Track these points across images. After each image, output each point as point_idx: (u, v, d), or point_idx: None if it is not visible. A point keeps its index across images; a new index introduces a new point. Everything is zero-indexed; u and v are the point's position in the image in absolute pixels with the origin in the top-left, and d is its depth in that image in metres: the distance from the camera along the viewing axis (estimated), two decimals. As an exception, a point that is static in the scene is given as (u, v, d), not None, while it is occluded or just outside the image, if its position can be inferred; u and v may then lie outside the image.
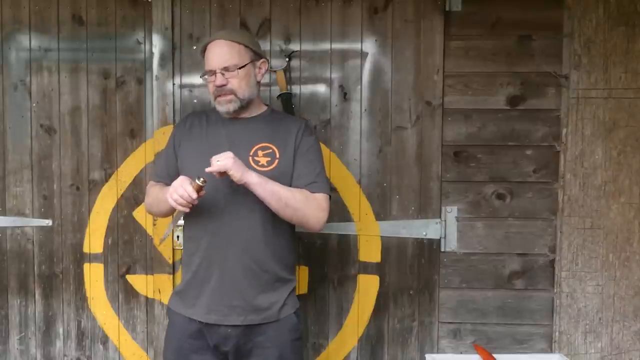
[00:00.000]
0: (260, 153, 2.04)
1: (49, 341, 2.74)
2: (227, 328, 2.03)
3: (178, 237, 2.62)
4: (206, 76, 2.07)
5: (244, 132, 2.07)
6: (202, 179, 1.88)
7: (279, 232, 2.06)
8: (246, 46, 2.05)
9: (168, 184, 2.10)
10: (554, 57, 2.56)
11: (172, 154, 2.16)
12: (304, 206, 2.00)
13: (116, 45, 2.64)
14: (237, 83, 2.02)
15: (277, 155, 2.04)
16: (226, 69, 2.01)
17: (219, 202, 2.00)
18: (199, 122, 2.16)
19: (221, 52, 2.02)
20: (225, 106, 2.05)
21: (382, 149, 2.61)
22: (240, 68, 2.02)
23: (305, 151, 2.07)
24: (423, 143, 2.60)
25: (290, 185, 2.03)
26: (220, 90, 2.02)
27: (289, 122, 2.14)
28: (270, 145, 2.05)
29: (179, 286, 2.15)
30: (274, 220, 2.02)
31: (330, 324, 2.68)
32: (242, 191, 1.98)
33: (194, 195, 1.88)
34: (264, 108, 2.16)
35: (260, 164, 2.03)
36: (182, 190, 1.88)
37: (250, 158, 2.03)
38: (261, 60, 2.11)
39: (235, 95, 2.03)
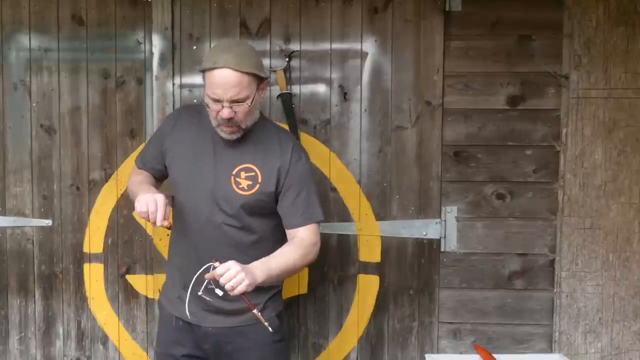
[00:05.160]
0: (242, 174, 2.02)
1: (49, 341, 2.74)
2: (207, 327, 2.07)
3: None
4: (210, 102, 1.94)
5: (231, 148, 2.03)
6: (168, 224, 1.88)
7: (264, 243, 2.05)
8: (253, 75, 1.92)
9: (153, 176, 2.14)
10: (554, 57, 2.56)
11: (159, 147, 2.13)
12: (303, 259, 2.00)
13: (116, 45, 2.64)
14: (244, 115, 1.95)
15: (259, 180, 2.01)
16: (234, 102, 1.90)
17: (203, 209, 2.01)
18: (190, 121, 2.10)
19: (230, 84, 1.88)
20: (227, 135, 2.00)
21: (382, 149, 2.61)
22: (250, 100, 1.93)
23: (292, 185, 2.02)
24: (423, 143, 2.60)
25: (273, 210, 2.04)
26: (225, 122, 1.95)
27: (279, 145, 2.05)
28: (253, 167, 2.02)
29: (165, 283, 2.22)
30: (258, 231, 2.04)
31: (330, 324, 2.68)
32: (225, 200, 2.00)
33: (159, 224, 1.86)
34: (257, 117, 2.06)
35: (240, 186, 2.01)
36: (153, 208, 1.85)
37: (232, 177, 2.01)
38: (264, 82, 2.02)
39: (240, 126, 1.98)
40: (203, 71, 1.95)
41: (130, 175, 2.23)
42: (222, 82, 1.88)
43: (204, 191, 2.02)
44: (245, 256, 1.93)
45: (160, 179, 2.19)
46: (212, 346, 2.08)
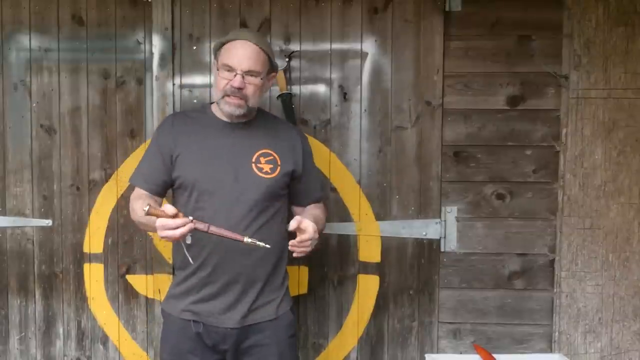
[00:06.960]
0: (262, 160, 2.06)
1: (49, 341, 2.74)
2: (226, 328, 2.06)
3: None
4: (223, 71, 2.00)
5: (243, 138, 2.07)
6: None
7: (279, 238, 2.08)
8: (269, 57, 2.04)
9: (156, 192, 2.09)
10: (553, 57, 2.56)
11: (164, 158, 2.07)
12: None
13: (116, 46, 2.64)
14: (253, 91, 2.01)
15: (279, 162, 2.07)
16: (249, 73, 1.98)
17: (222, 211, 2.00)
18: (186, 125, 2.10)
19: (248, 55, 1.98)
20: (232, 108, 2.02)
21: (382, 149, 2.62)
22: (262, 77, 2.02)
23: (306, 162, 2.18)
24: (423, 143, 2.60)
25: (289, 191, 2.15)
26: (234, 92, 1.99)
27: (284, 129, 2.19)
28: (271, 152, 2.08)
29: (174, 288, 2.14)
30: (278, 229, 2.08)
31: (330, 324, 2.68)
32: (244, 201, 2.01)
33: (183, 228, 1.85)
34: (256, 106, 2.12)
35: (263, 170, 2.05)
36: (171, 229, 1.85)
37: (253, 165, 2.04)
38: (273, 74, 2.10)
39: (246, 101, 2.01)
40: (219, 47, 2.04)
41: (135, 207, 2.06)
42: (241, 52, 1.99)
43: (227, 183, 2.02)
44: (273, 247, 1.99)
45: (162, 194, 2.12)
46: (231, 346, 2.07)
